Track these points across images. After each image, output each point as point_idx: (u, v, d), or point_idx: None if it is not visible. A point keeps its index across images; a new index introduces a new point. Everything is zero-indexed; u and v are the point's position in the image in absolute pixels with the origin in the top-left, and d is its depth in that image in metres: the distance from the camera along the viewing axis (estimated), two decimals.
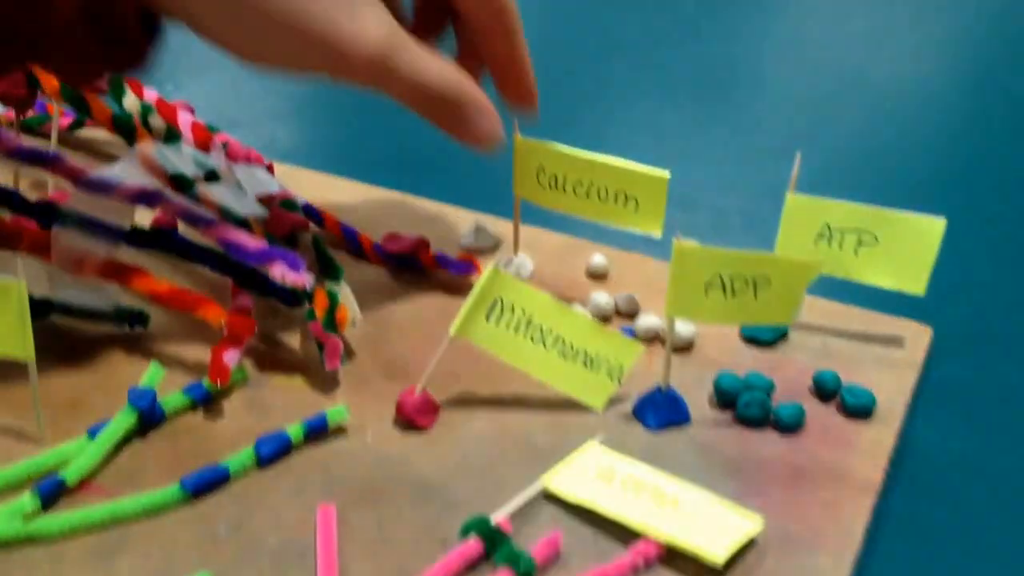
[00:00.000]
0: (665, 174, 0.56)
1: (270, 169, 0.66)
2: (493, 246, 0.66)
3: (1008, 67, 1.01)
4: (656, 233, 0.58)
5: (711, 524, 0.45)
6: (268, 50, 0.48)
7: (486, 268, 0.51)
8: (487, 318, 0.51)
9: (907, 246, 0.55)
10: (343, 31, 0.47)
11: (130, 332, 0.57)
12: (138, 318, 0.57)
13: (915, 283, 0.56)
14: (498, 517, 0.46)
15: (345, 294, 0.56)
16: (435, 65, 0.51)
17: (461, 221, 0.68)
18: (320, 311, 0.54)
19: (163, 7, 0.47)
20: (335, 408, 0.51)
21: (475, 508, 0.47)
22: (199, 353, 0.56)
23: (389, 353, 0.57)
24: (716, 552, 0.44)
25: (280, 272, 0.53)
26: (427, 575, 0.43)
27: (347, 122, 0.86)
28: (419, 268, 0.63)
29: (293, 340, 0.58)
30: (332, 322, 0.54)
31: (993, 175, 0.80)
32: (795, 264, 0.49)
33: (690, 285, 0.49)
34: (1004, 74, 0.99)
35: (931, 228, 0.54)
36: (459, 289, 0.62)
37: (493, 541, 0.45)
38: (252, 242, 0.54)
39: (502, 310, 0.51)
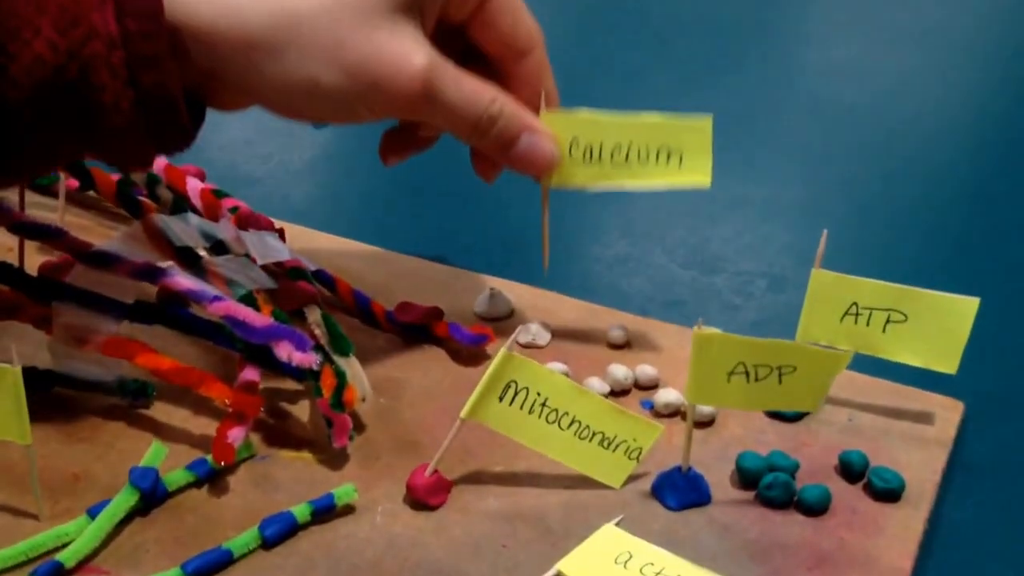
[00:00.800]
0: (708, 119, 0.55)
1: (281, 234, 0.65)
2: (508, 313, 0.65)
3: None
4: (706, 182, 0.56)
5: None
6: (316, 103, 0.48)
7: (500, 343, 0.49)
8: (500, 399, 0.49)
9: (938, 325, 0.53)
10: (384, 62, 0.47)
11: (133, 404, 0.56)
12: (142, 391, 0.56)
13: (947, 362, 0.54)
14: None
15: (355, 370, 0.55)
16: (479, 89, 0.50)
17: (476, 286, 0.67)
18: (328, 390, 0.52)
19: (219, 88, 0.48)
20: (343, 488, 0.50)
21: None
22: (204, 427, 0.54)
23: (401, 427, 0.55)
24: None
25: (287, 352, 0.51)
26: None
27: (362, 179, 0.85)
28: (432, 338, 0.62)
29: (302, 414, 0.56)
30: (340, 401, 0.52)
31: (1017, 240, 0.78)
32: (822, 355, 0.47)
33: (712, 373, 0.47)
34: None
35: (964, 308, 0.53)
36: (473, 359, 0.61)
37: None
38: (258, 320, 0.53)
39: (515, 391, 0.49)
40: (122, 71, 0.43)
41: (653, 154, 0.56)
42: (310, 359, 0.51)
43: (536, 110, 0.54)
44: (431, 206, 0.78)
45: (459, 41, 0.53)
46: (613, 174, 0.56)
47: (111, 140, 0.45)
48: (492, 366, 0.48)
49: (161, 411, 0.56)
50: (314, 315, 0.57)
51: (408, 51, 0.47)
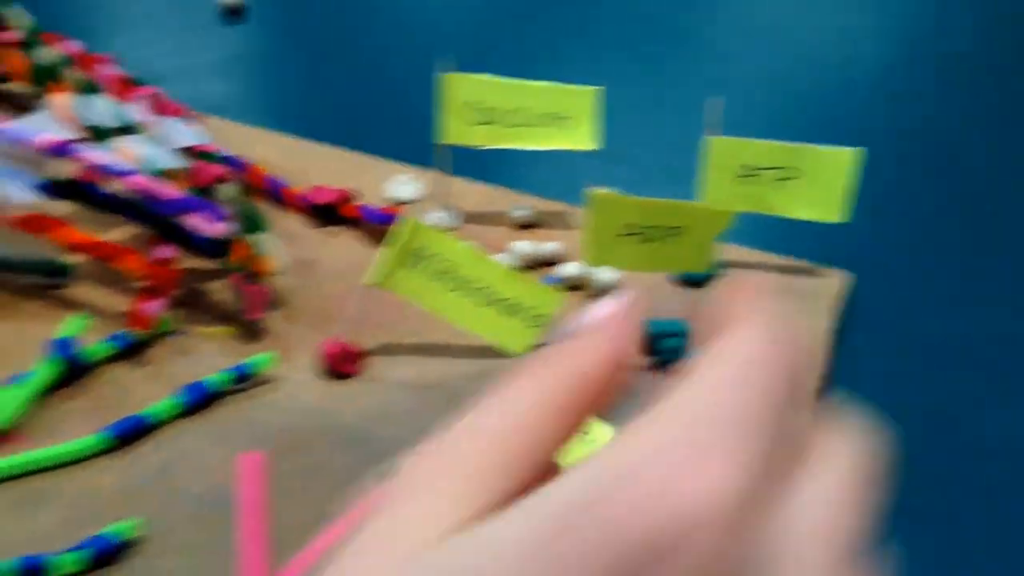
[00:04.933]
0: (593, 88, 0.59)
1: (198, 123, 0.65)
2: (418, 197, 0.66)
3: (933, 22, 1.02)
4: (590, 147, 0.60)
5: None
6: None
7: (400, 219, 0.51)
8: (408, 267, 0.51)
9: (824, 177, 0.57)
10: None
11: (52, 283, 0.57)
12: (60, 270, 0.57)
13: (834, 212, 0.58)
14: None
15: (272, 243, 0.56)
16: None
17: (387, 172, 0.68)
18: (241, 261, 0.54)
19: None
20: (260, 356, 0.52)
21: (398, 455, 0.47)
22: (123, 304, 0.56)
23: (314, 303, 0.57)
24: None
25: (200, 223, 0.53)
26: (340, 521, 0.44)
27: (278, 76, 0.85)
28: (344, 220, 0.64)
29: (218, 291, 0.58)
30: (254, 272, 0.54)
31: (912, 121, 0.82)
32: (708, 212, 0.50)
33: (605, 233, 0.50)
34: (928, 28, 1.01)
35: (846, 158, 0.57)
36: (384, 240, 0.62)
37: None
38: (170, 192, 0.54)
39: (422, 259, 0.51)
40: None
41: (544, 118, 0.60)
42: (223, 229, 0.53)
43: None
44: (346, 97, 0.79)
45: None
46: (508, 135, 0.61)
47: None
48: (400, 234, 0.50)
49: (79, 291, 0.57)
50: (227, 192, 0.58)
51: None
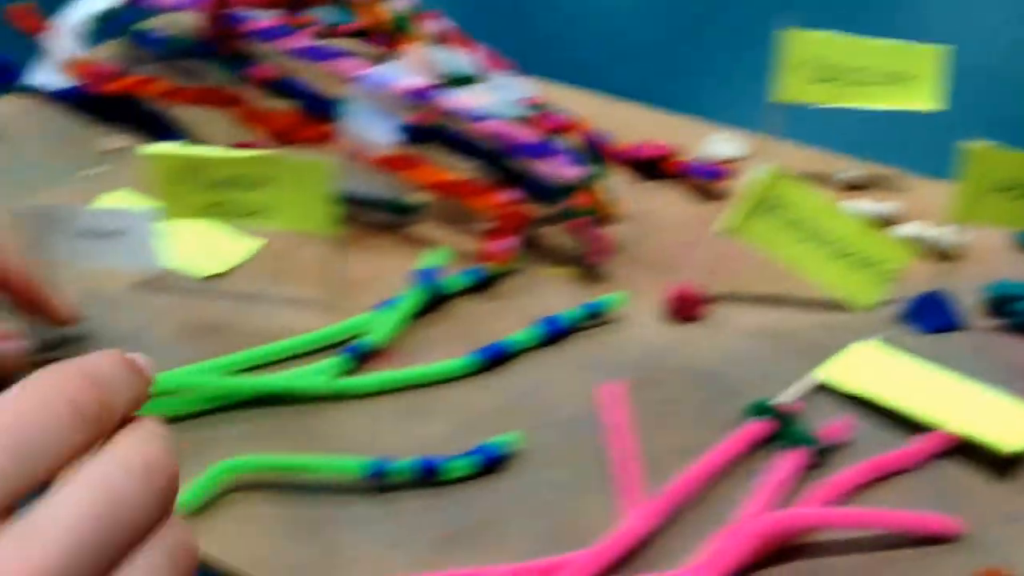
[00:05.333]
0: (939, 47, 0.58)
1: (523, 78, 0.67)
2: (738, 157, 0.67)
3: None
4: (932, 107, 0.59)
5: (999, 419, 0.46)
6: None
7: (753, 171, 0.52)
8: (762, 216, 0.52)
9: None
10: None
11: (404, 221, 0.60)
12: (410, 209, 0.60)
13: None
14: (780, 402, 0.47)
15: (609, 191, 0.58)
16: None
17: (700, 132, 0.69)
18: (587, 206, 0.55)
19: None
20: (612, 295, 0.53)
21: (751, 395, 0.48)
22: (469, 243, 0.58)
23: (651, 251, 0.59)
24: (1009, 443, 0.44)
25: (555, 166, 0.55)
26: (716, 452, 0.45)
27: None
28: (666, 175, 0.65)
29: (559, 235, 0.59)
30: (598, 218, 0.55)
31: None
32: None
33: (979, 188, 0.49)
34: None
35: None
36: (709, 195, 0.63)
37: (782, 423, 0.46)
38: (529, 137, 0.56)
39: (776, 209, 0.52)
40: None
41: (885, 77, 0.59)
42: (578, 172, 0.54)
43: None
44: (666, 56, 0.80)
45: None
46: (847, 94, 0.60)
47: None
48: (756, 183, 0.51)
49: (428, 228, 0.60)
50: (571, 140, 0.60)
51: None
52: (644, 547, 0.41)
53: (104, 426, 0.29)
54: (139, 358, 0.34)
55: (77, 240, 0.44)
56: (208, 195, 0.50)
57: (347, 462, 0.43)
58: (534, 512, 0.43)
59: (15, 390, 0.28)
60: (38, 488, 0.27)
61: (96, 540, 0.26)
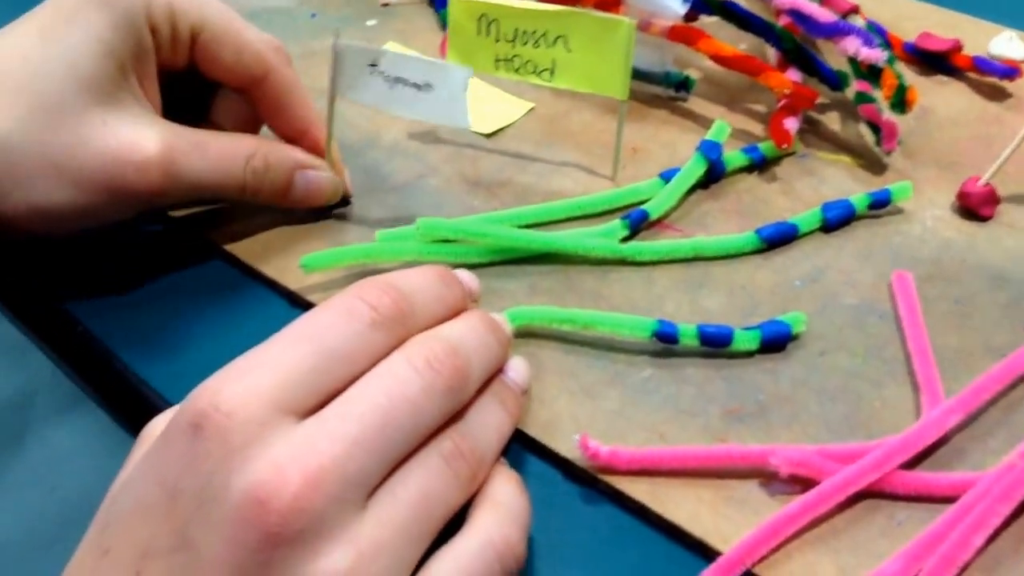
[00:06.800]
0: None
1: None
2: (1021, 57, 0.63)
3: None
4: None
5: None
6: (59, 223, 0.43)
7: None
8: None
9: None
10: (109, 164, 0.42)
11: (675, 96, 0.58)
12: (685, 83, 0.58)
13: None
14: None
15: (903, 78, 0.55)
16: (230, 149, 0.45)
17: (988, 32, 0.65)
18: (888, 91, 0.53)
19: None
20: (899, 184, 0.51)
21: None
22: (740, 122, 0.57)
23: (934, 145, 0.56)
24: None
25: (854, 46, 0.52)
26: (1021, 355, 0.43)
27: None
28: (952, 70, 0.61)
29: (841, 121, 0.57)
30: (901, 101, 0.53)
31: None
32: None
33: None
34: None
35: None
36: (991, 94, 0.60)
37: None
38: (825, 15, 0.54)
39: None
40: None
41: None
42: (878, 55, 0.52)
43: (295, 122, 0.49)
44: None
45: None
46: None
47: None
48: None
49: (699, 104, 0.58)
50: (857, 21, 0.57)
51: (131, 142, 0.42)
52: (938, 445, 0.40)
53: (404, 330, 0.34)
54: (462, 273, 0.39)
55: (392, 86, 0.45)
56: (501, 48, 0.50)
57: (638, 320, 0.43)
58: (823, 397, 0.42)
59: (326, 303, 0.33)
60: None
61: (381, 431, 0.30)
